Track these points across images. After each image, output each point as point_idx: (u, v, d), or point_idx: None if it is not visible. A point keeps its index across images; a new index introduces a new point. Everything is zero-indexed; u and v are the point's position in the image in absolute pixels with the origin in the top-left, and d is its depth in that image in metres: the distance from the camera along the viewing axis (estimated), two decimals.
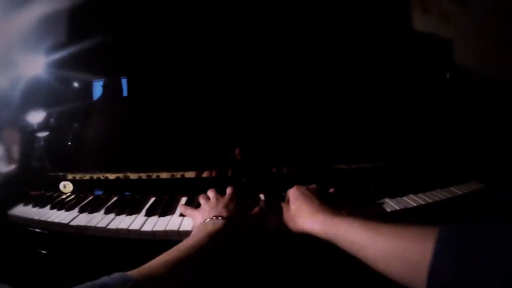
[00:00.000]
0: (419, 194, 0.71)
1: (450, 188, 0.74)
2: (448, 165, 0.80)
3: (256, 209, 0.62)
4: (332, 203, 0.58)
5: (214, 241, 0.51)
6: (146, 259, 0.54)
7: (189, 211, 0.64)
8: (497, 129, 0.89)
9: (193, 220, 0.61)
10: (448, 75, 0.90)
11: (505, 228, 0.33)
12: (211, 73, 0.80)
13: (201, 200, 0.65)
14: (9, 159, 1.00)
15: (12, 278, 0.78)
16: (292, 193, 0.60)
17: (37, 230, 0.71)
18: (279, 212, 0.62)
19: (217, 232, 0.52)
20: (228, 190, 0.67)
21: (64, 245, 0.71)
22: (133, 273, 0.41)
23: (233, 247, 0.55)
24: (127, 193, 0.78)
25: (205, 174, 0.75)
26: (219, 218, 0.55)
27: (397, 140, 0.80)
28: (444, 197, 0.71)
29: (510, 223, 0.33)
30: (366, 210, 0.66)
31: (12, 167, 0.99)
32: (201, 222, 0.56)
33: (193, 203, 0.70)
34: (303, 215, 0.54)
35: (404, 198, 0.70)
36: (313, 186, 0.64)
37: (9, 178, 0.96)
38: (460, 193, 0.73)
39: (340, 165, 0.74)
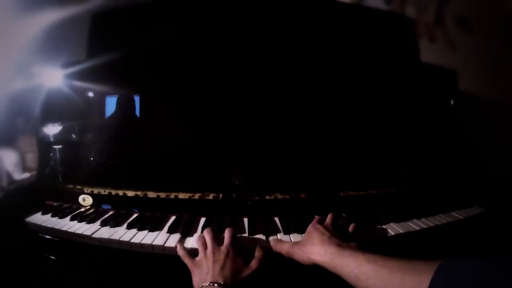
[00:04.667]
0: (422, 219, 0.76)
1: (452, 213, 0.79)
2: (451, 191, 0.86)
3: (253, 263, 0.60)
4: (344, 235, 0.62)
5: None
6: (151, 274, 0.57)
7: (187, 260, 0.62)
8: (500, 155, 0.93)
9: (191, 271, 0.60)
10: (452, 102, 0.95)
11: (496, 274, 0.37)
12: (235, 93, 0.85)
13: (198, 245, 0.64)
14: (23, 166, 1.03)
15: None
16: (308, 228, 0.65)
17: (57, 239, 0.74)
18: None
19: None
20: (226, 236, 0.64)
21: (73, 253, 0.73)
22: None
23: None
24: (136, 210, 0.81)
25: (222, 197, 0.79)
26: (216, 285, 0.54)
27: (402, 168, 0.86)
28: (445, 221, 0.76)
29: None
30: (372, 234, 0.71)
31: (27, 175, 1.02)
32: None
33: (212, 223, 0.74)
34: (314, 245, 0.57)
35: (408, 222, 0.74)
36: (329, 219, 0.67)
37: (24, 185, 0.99)
38: (461, 217, 0.78)
39: (349, 191, 0.80)
